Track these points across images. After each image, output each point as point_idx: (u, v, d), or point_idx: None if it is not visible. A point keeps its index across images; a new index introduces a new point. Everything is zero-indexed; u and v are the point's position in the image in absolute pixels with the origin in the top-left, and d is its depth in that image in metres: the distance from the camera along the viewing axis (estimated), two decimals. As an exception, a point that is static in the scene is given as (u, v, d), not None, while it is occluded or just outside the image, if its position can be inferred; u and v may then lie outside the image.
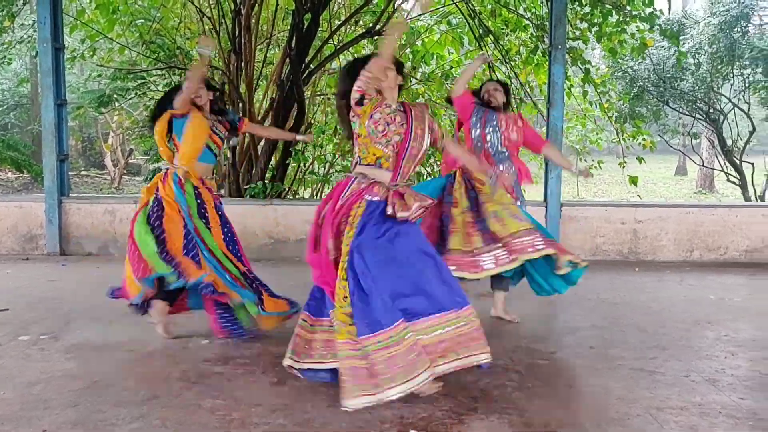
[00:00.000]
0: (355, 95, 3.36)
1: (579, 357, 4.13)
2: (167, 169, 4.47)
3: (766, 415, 3.24)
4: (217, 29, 9.41)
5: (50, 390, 3.50)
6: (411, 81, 10.69)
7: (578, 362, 4.04)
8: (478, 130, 4.77)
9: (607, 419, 3.19)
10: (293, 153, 9.27)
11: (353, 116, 3.44)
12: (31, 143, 18.57)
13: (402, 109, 3.48)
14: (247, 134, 9.01)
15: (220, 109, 4.68)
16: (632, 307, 5.40)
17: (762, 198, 12.09)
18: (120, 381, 3.64)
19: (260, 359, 4.00)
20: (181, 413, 3.22)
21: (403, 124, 3.43)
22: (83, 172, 20.99)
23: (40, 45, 7.22)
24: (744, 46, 11.33)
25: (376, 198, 3.38)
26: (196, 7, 9.58)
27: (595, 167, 10.59)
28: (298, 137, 5.11)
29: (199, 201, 4.39)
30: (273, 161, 9.34)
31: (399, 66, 3.53)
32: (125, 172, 19.64)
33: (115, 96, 11.66)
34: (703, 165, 16.50)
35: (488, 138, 4.76)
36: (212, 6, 9.51)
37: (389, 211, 3.32)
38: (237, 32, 8.85)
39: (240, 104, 9.05)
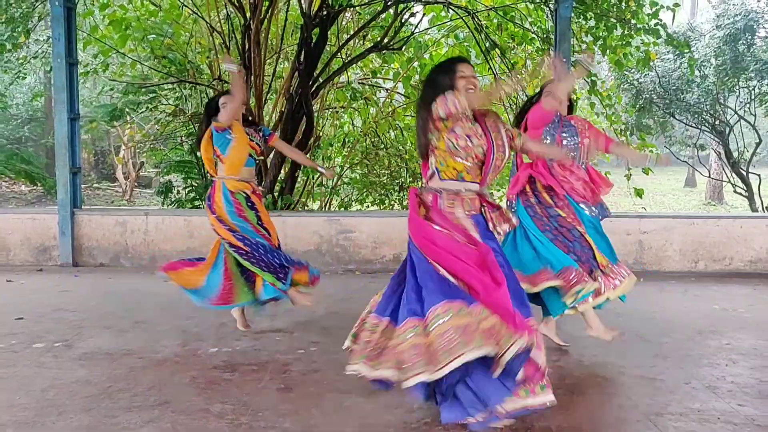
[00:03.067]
0: (440, 112, 3.17)
1: (580, 365, 4.20)
2: (214, 180, 4.84)
3: (764, 421, 3.30)
4: (227, 44, 9.57)
5: (64, 396, 3.60)
6: (419, 94, 10.81)
7: (579, 370, 4.11)
8: (550, 138, 4.49)
9: (606, 424, 3.26)
10: (302, 166, 9.39)
11: (432, 129, 3.24)
12: (45, 156, 18.81)
13: (476, 119, 3.32)
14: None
15: (251, 120, 5.15)
16: (635, 316, 5.46)
17: (768, 209, 12.10)
18: (131, 387, 3.74)
19: (267, 366, 4.09)
20: (190, 418, 3.31)
21: (482, 136, 3.25)
22: (95, 185, 21.23)
23: (55, 61, 7.39)
24: (749, 59, 11.38)
25: (472, 212, 3.27)
26: (206, 22, 9.74)
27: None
28: (319, 169, 5.19)
29: (250, 204, 4.77)
30: (282, 174, 9.46)
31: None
32: (136, 184, 19.84)
33: (126, 110, 11.86)
34: (709, 176, 16.51)
35: (565, 143, 4.51)
36: (222, 21, 9.67)
37: (490, 227, 3.26)
38: (247, 47, 9.00)
39: (250, 117, 9.17)
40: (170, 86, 11.02)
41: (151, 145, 13.80)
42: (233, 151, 4.69)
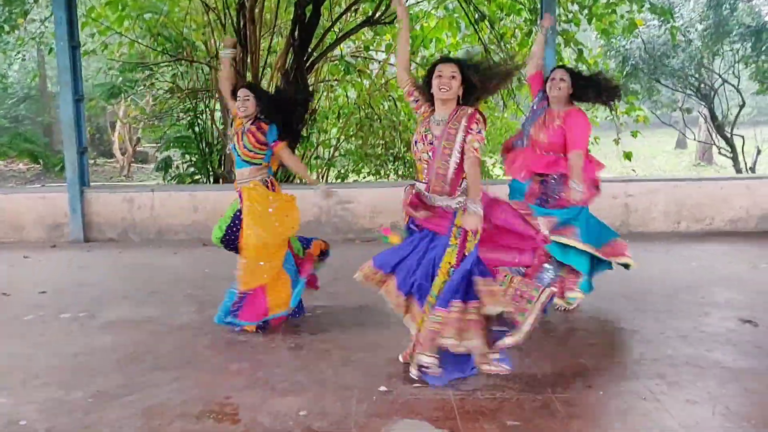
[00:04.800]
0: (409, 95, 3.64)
1: (566, 320, 4.57)
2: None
3: (727, 363, 3.68)
4: (223, 21, 9.77)
5: (95, 359, 3.96)
6: (411, 65, 11.05)
7: (565, 325, 4.47)
8: (525, 124, 4.70)
9: (587, 370, 3.64)
10: (300, 141, 9.69)
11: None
12: (43, 135, 18.98)
13: (445, 122, 3.45)
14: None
15: (261, 122, 4.45)
16: (619, 275, 5.77)
17: (753, 169, 12.46)
18: (155, 350, 4.09)
19: (278, 328, 4.45)
20: (212, 375, 3.68)
21: (432, 143, 3.45)
22: (93, 161, 21.43)
23: (57, 44, 7.61)
24: (733, 22, 11.64)
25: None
26: (201, 0, 9.93)
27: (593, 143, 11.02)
28: (322, 187, 4.85)
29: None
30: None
31: (467, 74, 3.45)
32: (133, 160, 20.05)
33: (124, 87, 12.07)
34: (695, 139, 16.87)
35: (528, 134, 4.63)
36: (217, -1, 9.87)
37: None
38: (242, 24, 9.22)
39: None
40: (166, 64, 11.22)
41: (149, 122, 14.01)
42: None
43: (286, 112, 4.51)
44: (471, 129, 3.39)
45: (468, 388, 3.40)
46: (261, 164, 4.51)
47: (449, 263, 3.41)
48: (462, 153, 3.40)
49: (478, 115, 3.42)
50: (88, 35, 10.69)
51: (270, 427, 3.04)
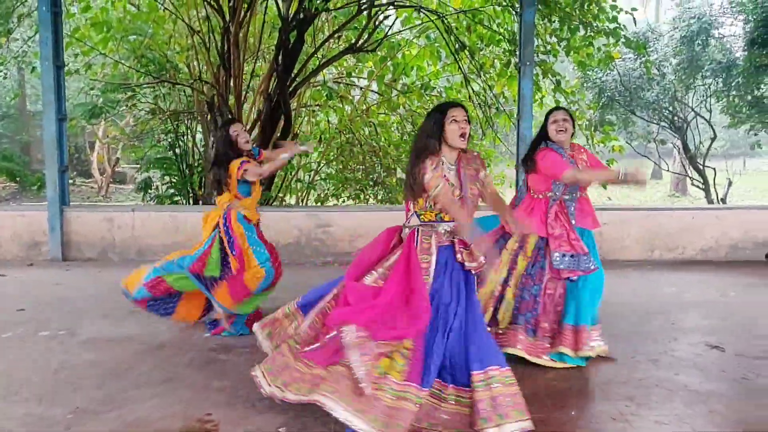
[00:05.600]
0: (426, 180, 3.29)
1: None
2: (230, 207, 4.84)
3: (694, 386, 3.81)
4: (207, 45, 9.89)
5: (75, 376, 3.99)
6: (392, 92, 11.26)
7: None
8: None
9: (560, 392, 3.74)
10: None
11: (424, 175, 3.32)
12: (20, 153, 18.88)
13: (456, 167, 3.39)
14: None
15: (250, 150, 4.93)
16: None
17: (724, 201, 12.77)
18: (136, 367, 4.13)
19: (258, 348, 4.48)
20: (193, 392, 3.72)
21: (457, 188, 3.35)
22: (70, 181, 21.31)
23: (42, 63, 7.67)
24: (705, 58, 12.02)
25: (445, 243, 3.38)
26: (185, 23, 10.05)
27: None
28: (301, 148, 5.19)
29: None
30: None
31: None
32: (111, 180, 19.99)
33: (105, 108, 12.10)
34: (669, 170, 17.26)
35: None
36: (202, 22, 9.99)
37: (458, 257, 3.36)
38: (226, 48, 9.34)
39: (229, 116, 9.53)
40: (149, 85, 11.29)
41: (130, 143, 14.03)
42: (254, 194, 4.89)
43: None
44: (484, 170, 3.50)
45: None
46: None
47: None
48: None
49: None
50: (71, 55, 10.75)
51: (250, 443, 3.10)
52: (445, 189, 3.28)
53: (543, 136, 4.42)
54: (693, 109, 13.04)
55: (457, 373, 3.22)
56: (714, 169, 12.99)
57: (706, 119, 12.98)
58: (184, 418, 3.35)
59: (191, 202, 11.12)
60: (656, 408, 3.51)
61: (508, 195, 5.17)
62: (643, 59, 10.86)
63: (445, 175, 3.32)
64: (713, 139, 13.11)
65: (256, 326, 3.71)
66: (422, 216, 3.37)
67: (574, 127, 4.41)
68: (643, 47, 10.04)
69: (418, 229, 3.36)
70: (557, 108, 4.55)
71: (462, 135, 3.33)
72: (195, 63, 10.60)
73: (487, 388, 3.09)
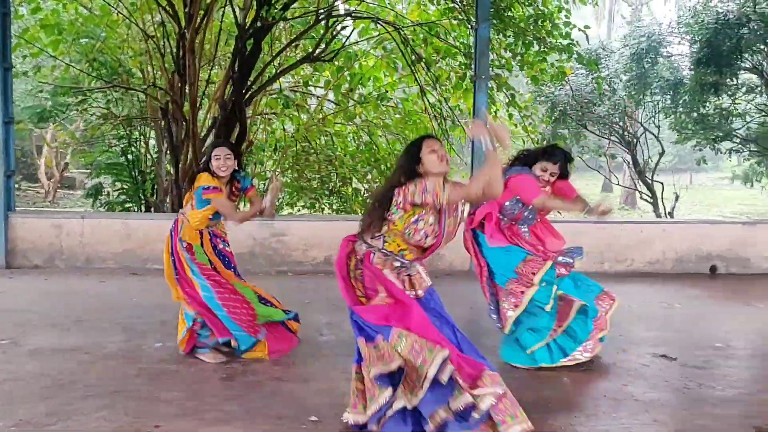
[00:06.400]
0: (416, 198, 3.25)
1: (488, 355, 4.70)
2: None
3: (640, 396, 3.90)
4: (161, 50, 9.77)
5: (20, 387, 3.87)
6: (349, 102, 11.28)
7: (491, 359, 4.59)
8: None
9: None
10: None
11: (399, 206, 3.29)
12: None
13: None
14: (189, 149, 9.44)
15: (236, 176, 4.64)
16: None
17: (671, 214, 13.12)
18: (83, 379, 4.03)
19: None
20: (142, 403, 3.65)
21: (435, 230, 3.34)
22: (15, 186, 20.72)
23: (-11, 65, 7.47)
24: (654, 75, 12.36)
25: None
26: (140, 28, 9.91)
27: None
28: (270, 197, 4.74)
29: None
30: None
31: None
32: (60, 185, 19.51)
33: (54, 111, 11.84)
34: (618, 184, 17.67)
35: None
36: (156, 27, 9.86)
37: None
38: (181, 54, 9.24)
39: (183, 123, 9.42)
40: (101, 89, 11.08)
41: (80, 147, 13.74)
42: (206, 210, 4.52)
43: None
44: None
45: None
46: None
47: None
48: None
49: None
50: (19, 56, 10.49)
51: (200, 455, 3.05)
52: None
53: (525, 160, 4.53)
54: (642, 125, 13.41)
55: None
56: (662, 183, 13.36)
57: (654, 135, 13.36)
58: (133, 430, 3.28)
59: (143, 209, 10.93)
60: (603, 418, 3.58)
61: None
62: (595, 75, 11.12)
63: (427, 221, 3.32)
64: (661, 155, 13.50)
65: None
66: (387, 244, 3.35)
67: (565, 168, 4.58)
68: (595, 64, 10.30)
69: (374, 251, 3.35)
70: (554, 145, 4.69)
71: (442, 160, 3.32)
72: (149, 68, 10.45)
73: None
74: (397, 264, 3.35)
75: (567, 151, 4.72)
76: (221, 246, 4.74)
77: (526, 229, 4.62)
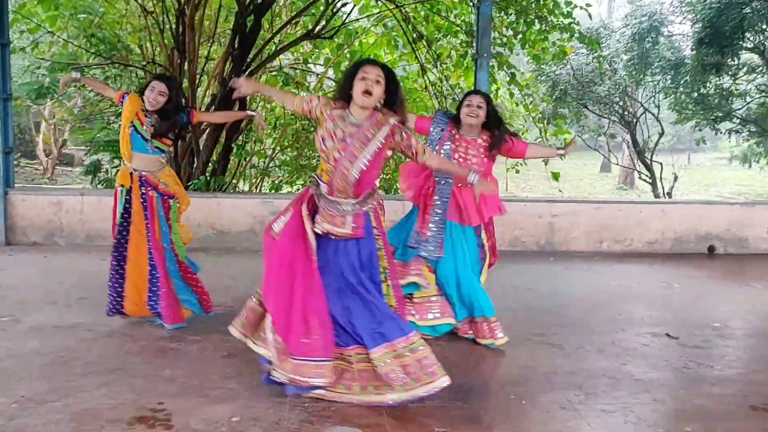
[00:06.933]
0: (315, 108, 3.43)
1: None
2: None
3: (639, 375, 3.93)
4: (161, 26, 9.68)
5: (20, 365, 3.88)
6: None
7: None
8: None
9: (510, 381, 3.81)
10: (235, 148, 9.69)
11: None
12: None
13: (359, 125, 3.34)
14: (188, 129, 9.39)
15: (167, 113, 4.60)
16: (542, 291, 6.08)
17: (670, 195, 13.13)
18: (84, 356, 4.04)
19: (211, 337, 4.44)
20: (143, 381, 3.66)
21: (344, 140, 3.32)
22: (14, 162, 20.64)
23: (-13, 41, 7.41)
24: (655, 55, 12.30)
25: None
26: (139, 3, 9.81)
27: (522, 164, 11.46)
28: (250, 113, 5.16)
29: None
30: (214, 156, 9.69)
31: (392, 83, 3.39)
32: (58, 162, 19.44)
33: (52, 88, 11.75)
34: (618, 163, 17.64)
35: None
36: (155, 3, 9.75)
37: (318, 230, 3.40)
38: (180, 30, 9.16)
39: (184, 100, 9.35)
40: (99, 66, 11.00)
41: (78, 124, 13.67)
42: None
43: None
44: (394, 139, 3.36)
45: (398, 397, 3.51)
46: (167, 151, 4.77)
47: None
48: (373, 161, 3.32)
49: (401, 127, 3.40)
50: (16, 32, 10.39)
51: (203, 432, 3.07)
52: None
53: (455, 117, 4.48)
54: (642, 105, 13.36)
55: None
56: (661, 163, 13.35)
57: (654, 115, 13.32)
58: (134, 408, 3.30)
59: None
60: (603, 397, 3.61)
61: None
62: (596, 55, 11.05)
63: (329, 129, 3.34)
64: (661, 135, 13.47)
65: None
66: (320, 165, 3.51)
67: (492, 114, 4.39)
68: (597, 43, 10.23)
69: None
70: (476, 91, 4.57)
71: (365, 92, 3.27)
72: (148, 44, 10.36)
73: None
74: (315, 189, 3.44)
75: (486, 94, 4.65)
76: (151, 194, 4.62)
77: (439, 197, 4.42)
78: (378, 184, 3.55)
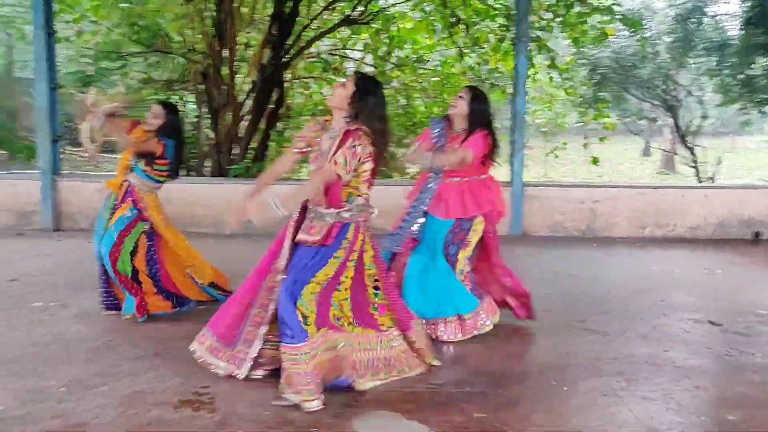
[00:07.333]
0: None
1: (533, 320, 4.72)
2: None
3: (681, 362, 3.88)
4: (201, 14, 9.78)
5: (68, 348, 4.00)
6: (386, 65, 11.20)
7: (531, 324, 4.61)
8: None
9: (551, 367, 3.80)
10: (270, 137, 9.82)
11: None
12: (7, 120, 18.65)
13: (334, 135, 3.42)
14: (228, 117, 9.50)
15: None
16: (584, 277, 6.03)
17: (712, 179, 12.86)
18: (130, 340, 4.14)
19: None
20: (188, 365, 3.71)
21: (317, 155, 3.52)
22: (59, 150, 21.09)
23: (34, 31, 7.58)
24: (698, 37, 12.01)
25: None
26: (180, -9, 9.93)
27: (561, 148, 11.35)
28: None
29: None
30: (254, 142, 9.80)
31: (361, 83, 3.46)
32: (102, 149, 19.82)
33: (96, 76, 11.98)
34: (659, 147, 17.31)
35: None
36: (196, -10, 9.86)
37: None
38: (221, 17, 9.25)
39: (224, 87, 9.48)
40: (141, 54, 11.18)
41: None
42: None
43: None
44: (344, 144, 3.31)
45: (438, 382, 3.54)
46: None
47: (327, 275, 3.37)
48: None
49: (359, 133, 3.32)
50: (62, 22, 10.61)
51: (247, 416, 3.13)
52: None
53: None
54: (685, 88, 13.07)
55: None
56: (704, 147, 13.06)
57: (698, 98, 13.02)
58: (180, 392, 3.38)
59: (183, 173, 11.06)
60: (644, 383, 3.57)
61: (501, 170, 5.16)
62: (638, 36, 10.84)
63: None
64: (704, 118, 13.16)
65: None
66: None
67: (480, 105, 4.28)
68: (640, 24, 10.03)
69: None
70: (468, 86, 4.48)
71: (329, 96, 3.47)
72: (188, 32, 10.49)
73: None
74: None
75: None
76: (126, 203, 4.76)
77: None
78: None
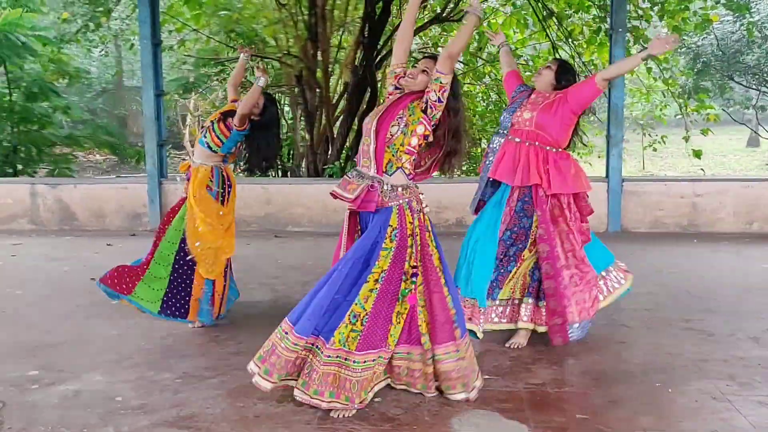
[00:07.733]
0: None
1: (633, 318, 4.60)
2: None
3: (798, 366, 3.68)
4: (294, 19, 10.03)
5: (180, 342, 4.22)
6: (477, 61, 11.14)
7: (633, 323, 4.50)
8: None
9: (655, 368, 3.69)
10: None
11: None
12: (118, 126, 19.75)
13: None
14: (323, 118, 9.70)
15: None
16: (687, 274, 5.81)
17: (830, 170, 12.09)
18: (236, 336, 4.32)
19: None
20: (291, 360, 3.86)
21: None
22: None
23: (141, 41, 8.00)
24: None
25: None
26: (274, -3, 10.22)
27: (660, 142, 10.95)
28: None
29: None
30: (348, 142, 9.96)
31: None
32: (202, 152, 20.64)
33: (197, 82, 12.53)
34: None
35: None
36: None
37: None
38: (313, 21, 9.45)
39: (318, 90, 9.68)
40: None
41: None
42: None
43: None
44: (410, 103, 3.24)
45: (537, 382, 3.51)
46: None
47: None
48: (381, 120, 3.24)
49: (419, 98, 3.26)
50: (165, 32, 11.14)
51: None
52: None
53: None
54: (797, 74, 12.34)
55: None
56: (819, 136, 12.29)
57: (812, 84, 12.26)
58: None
59: (280, 174, 11.39)
60: (759, 388, 3.41)
61: (597, 164, 5.04)
62: (745, 21, 10.30)
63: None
64: (819, 105, 12.38)
65: None
66: None
67: (564, 74, 4.05)
68: (746, 8, 9.54)
69: None
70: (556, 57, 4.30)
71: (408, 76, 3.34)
72: (282, 36, 10.79)
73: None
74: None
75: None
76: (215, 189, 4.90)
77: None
78: None
